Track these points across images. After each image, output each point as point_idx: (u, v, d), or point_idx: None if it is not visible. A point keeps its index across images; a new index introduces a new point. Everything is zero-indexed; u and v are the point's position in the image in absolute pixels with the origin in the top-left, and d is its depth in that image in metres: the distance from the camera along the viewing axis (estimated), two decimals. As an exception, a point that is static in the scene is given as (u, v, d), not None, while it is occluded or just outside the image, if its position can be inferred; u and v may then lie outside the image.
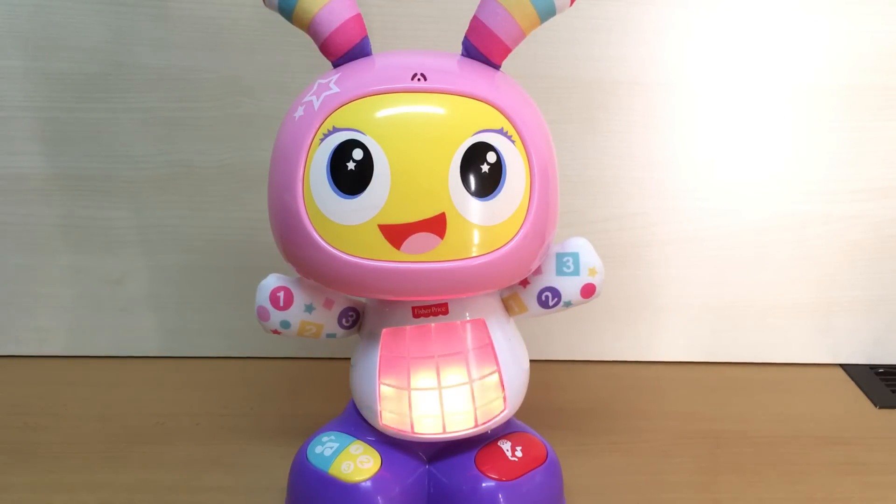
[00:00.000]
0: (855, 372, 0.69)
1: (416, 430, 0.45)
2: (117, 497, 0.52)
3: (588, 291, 0.47)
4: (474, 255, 0.40)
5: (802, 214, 0.66)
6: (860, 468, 0.56)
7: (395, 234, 0.39)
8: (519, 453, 0.46)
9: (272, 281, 0.45)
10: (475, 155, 0.39)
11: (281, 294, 0.45)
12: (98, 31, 0.60)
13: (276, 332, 0.46)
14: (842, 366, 0.71)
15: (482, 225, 0.40)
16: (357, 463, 0.45)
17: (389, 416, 0.45)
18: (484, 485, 0.44)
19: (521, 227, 0.41)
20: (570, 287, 0.47)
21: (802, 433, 0.60)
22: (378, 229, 0.39)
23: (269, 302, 0.45)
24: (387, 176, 0.38)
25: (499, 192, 0.40)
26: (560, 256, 0.47)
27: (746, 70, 0.62)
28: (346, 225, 0.39)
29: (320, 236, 0.40)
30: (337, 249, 0.40)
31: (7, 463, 0.55)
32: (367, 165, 0.39)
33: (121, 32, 0.61)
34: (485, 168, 0.39)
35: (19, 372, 0.67)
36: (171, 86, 0.62)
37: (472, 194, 0.39)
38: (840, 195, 0.66)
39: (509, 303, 0.48)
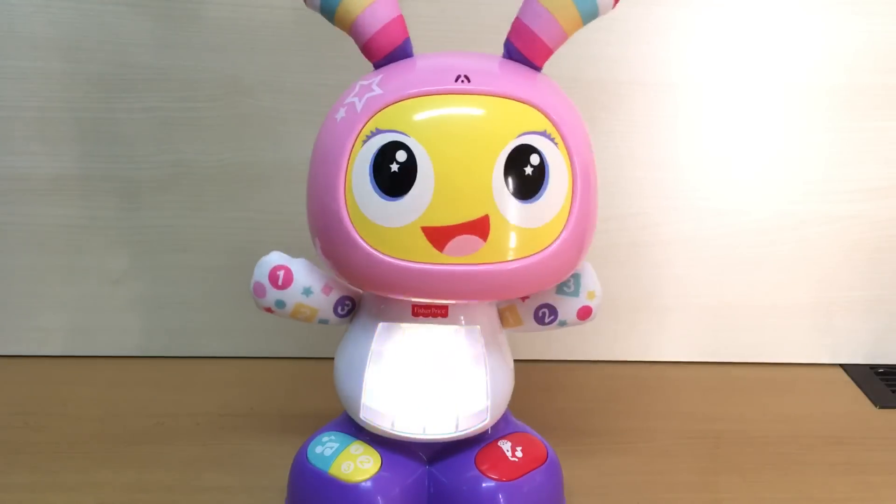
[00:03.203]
0: (855, 372, 0.69)
1: (395, 428, 0.45)
2: (117, 497, 0.52)
3: (584, 314, 0.47)
4: (516, 257, 0.40)
5: (802, 214, 0.66)
6: (860, 468, 0.56)
7: (439, 237, 0.39)
8: (519, 453, 0.46)
9: (274, 258, 0.45)
10: (519, 157, 0.39)
11: (281, 273, 0.45)
12: (98, 31, 0.60)
13: (268, 310, 0.46)
14: (842, 366, 0.71)
15: (525, 227, 0.40)
16: (357, 463, 0.45)
17: (371, 410, 0.45)
18: (484, 485, 0.44)
19: (563, 230, 0.41)
20: (567, 307, 0.47)
21: (802, 433, 0.60)
22: (421, 231, 0.39)
23: (267, 279, 0.45)
24: (430, 178, 0.38)
25: (542, 194, 0.40)
26: None
27: (747, 70, 0.62)
28: (388, 227, 0.39)
29: (362, 238, 0.40)
30: (379, 251, 0.40)
31: (7, 463, 0.55)
32: (410, 167, 0.39)
33: (121, 32, 0.61)
34: (528, 170, 0.39)
35: (19, 372, 0.67)
36: (171, 86, 0.62)
37: (516, 196, 0.39)
38: (840, 195, 0.66)
39: (505, 314, 0.48)
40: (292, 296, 0.45)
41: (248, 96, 0.62)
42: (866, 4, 0.61)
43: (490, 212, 0.39)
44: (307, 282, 0.45)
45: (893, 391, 0.66)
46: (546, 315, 0.47)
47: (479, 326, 0.45)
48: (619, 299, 0.68)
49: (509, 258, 0.40)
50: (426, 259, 0.39)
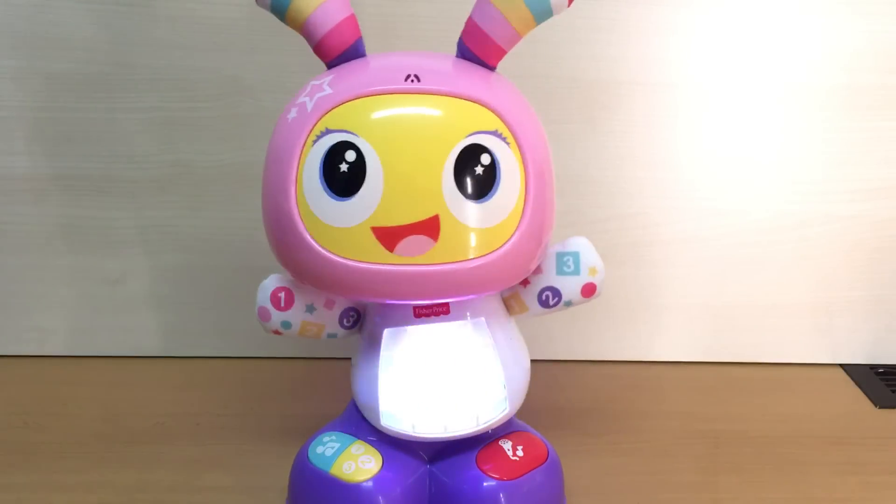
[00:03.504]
0: (855, 372, 0.69)
1: (417, 431, 0.45)
2: (117, 497, 0.52)
3: (589, 291, 0.47)
4: (469, 257, 0.40)
5: (802, 214, 0.66)
6: (860, 468, 0.56)
7: (389, 237, 0.39)
8: (520, 453, 0.46)
9: (273, 281, 0.45)
10: (469, 157, 0.39)
11: (282, 294, 0.45)
12: (98, 31, 0.60)
13: (276, 332, 0.46)
14: (842, 366, 0.71)
15: (477, 227, 0.40)
16: (358, 463, 0.45)
17: (390, 417, 0.45)
18: (485, 484, 0.44)
19: (516, 229, 0.41)
20: (570, 286, 0.47)
21: (802, 433, 0.60)
22: (371, 231, 0.39)
23: (269, 302, 0.45)
24: (380, 178, 0.38)
25: (493, 194, 0.40)
26: (560, 256, 0.47)
27: (747, 70, 0.62)
28: (339, 227, 0.39)
29: (313, 238, 0.40)
30: (330, 252, 0.40)
31: (7, 463, 0.55)
32: (360, 167, 0.38)
33: (121, 32, 0.61)
34: (479, 170, 0.39)
35: (19, 372, 0.67)
36: (171, 86, 0.62)
37: (467, 196, 0.39)
38: (840, 195, 0.66)
39: (510, 302, 0.48)
40: (296, 315, 0.46)
41: (248, 96, 0.62)
42: (866, 4, 0.61)
43: (440, 212, 0.39)
44: (309, 299, 0.45)
45: (893, 391, 0.66)
46: (550, 297, 0.47)
47: (483, 318, 0.45)
48: (619, 299, 0.68)
49: (461, 258, 0.40)
50: (377, 259, 0.39)
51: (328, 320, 0.46)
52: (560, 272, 0.47)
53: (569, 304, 0.47)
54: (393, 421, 0.45)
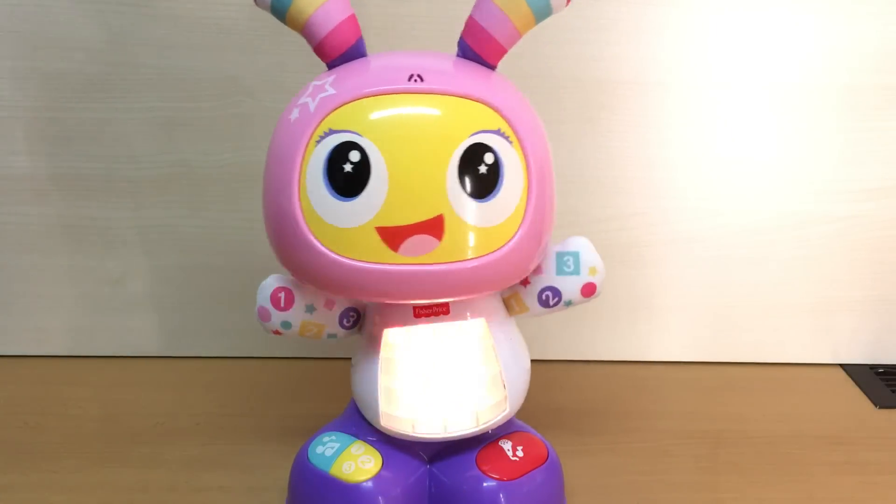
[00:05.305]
0: (855, 372, 0.69)
1: (417, 431, 0.45)
2: (117, 497, 0.52)
3: (589, 290, 0.47)
4: (472, 256, 0.40)
5: (802, 214, 0.66)
6: (860, 468, 0.56)
7: (393, 237, 0.39)
8: (520, 453, 0.46)
9: (273, 281, 0.45)
10: (473, 156, 0.39)
11: (282, 295, 0.45)
12: (98, 31, 0.60)
13: (276, 332, 0.46)
14: (842, 366, 0.71)
15: (480, 226, 0.40)
16: (358, 463, 0.45)
17: (390, 417, 0.45)
18: (485, 484, 0.45)
19: (518, 229, 0.41)
20: (570, 286, 0.47)
21: (802, 433, 0.60)
22: (375, 231, 0.39)
23: (269, 302, 0.45)
24: (384, 178, 0.38)
25: (496, 193, 0.40)
26: (560, 256, 0.47)
27: (747, 70, 0.62)
28: (342, 227, 0.39)
29: (317, 239, 0.40)
30: (334, 252, 0.40)
31: (7, 463, 0.55)
32: (363, 167, 0.38)
33: (121, 32, 0.61)
34: (482, 169, 0.39)
35: (19, 372, 0.67)
36: (171, 86, 0.62)
37: (470, 196, 0.39)
38: (840, 195, 0.66)
39: (510, 302, 0.48)
40: (296, 315, 0.45)
41: (248, 96, 0.62)
42: (866, 5, 0.61)
43: (444, 211, 0.39)
44: (309, 299, 0.45)
45: (893, 391, 0.66)
46: (550, 297, 0.47)
47: (483, 319, 0.45)
48: (619, 299, 0.68)
49: (465, 257, 0.40)
50: (381, 259, 0.39)
51: (328, 320, 0.46)
52: (560, 272, 0.47)
53: (569, 303, 0.47)
54: (392, 421, 0.45)
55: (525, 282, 0.47)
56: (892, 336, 0.70)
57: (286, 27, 0.42)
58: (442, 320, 0.44)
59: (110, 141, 0.63)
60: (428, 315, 0.44)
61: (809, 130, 0.64)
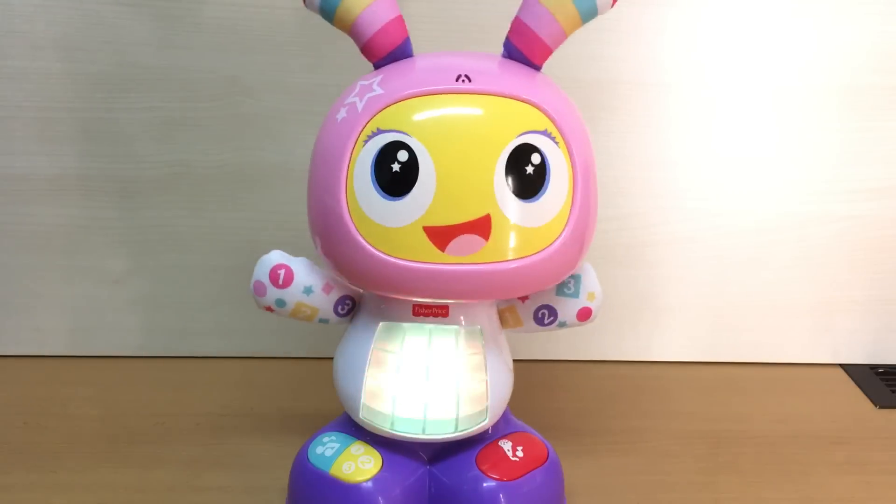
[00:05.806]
0: (855, 372, 0.69)
1: (395, 428, 0.45)
2: (117, 497, 0.52)
3: (584, 315, 0.47)
4: (518, 256, 0.40)
5: (802, 214, 0.66)
6: (860, 468, 0.56)
7: (441, 236, 0.39)
8: (520, 453, 0.46)
9: (275, 257, 0.45)
10: (520, 156, 0.39)
11: (282, 272, 0.45)
12: (98, 31, 0.60)
13: (269, 308, 0.46)
14: (842, 366, 0.71)
15: (526, 226, 0.40)
16: (358, 463, 0.45)
17: (370, 411, 0.45)
18: (485, 485, 0.45)
19: (563, 229, 0.41)
20: (567, 308, 0.47)
21: (802, 433, 0.60)
22: (423, 231, 0.39)
23: (268, 277, 0.45)
24: (432, 178, 0.38)
25: (543, 193, 0.40)
26: None
27: (748, 70, 0.62)
28: (390, 227, 0.39)
29: (364, 238, 0.40)
30: (381, 251, 0.40)
31: (7, 463, 0.55)
32: (412, 167, 0.39)
33: (121, 32, 0.61)
34: (529, 169, 0.39)
35: (19, 372, 0.67)
36: (171, 86, 0.62)
37: (517, 196, 0.39)
38: (840, 195, 0.66)
39: (505, 315, 0.48)
40: (293, 295, 0.45)
41: (248, 96, 0.62)
42: (866, 5, 0.61)
43: (492, 211, 0.39)
44: (308, 281, 0.45)
45: (893, 391, 0.66)
46: (546, 316, 0.47)
47: (479, 327, 0.45)
48: (619, 299, 0.68)
49: (511, 257, 0.40)
50: (428, 259, 0.39)
51: (324, 305, 0.46)
52: (560, 293, 0.47)
53: (563, 324, 0.47)
54: (372, 415, 0.45)
55: (524, 297, 0.47)
56: (892, 336, 0.70)
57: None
58: (439, 321, 0.44)
59: (110, 141, 0.63)
60: (426, 314, 0.44)
61: (809, 130, 0.64)
